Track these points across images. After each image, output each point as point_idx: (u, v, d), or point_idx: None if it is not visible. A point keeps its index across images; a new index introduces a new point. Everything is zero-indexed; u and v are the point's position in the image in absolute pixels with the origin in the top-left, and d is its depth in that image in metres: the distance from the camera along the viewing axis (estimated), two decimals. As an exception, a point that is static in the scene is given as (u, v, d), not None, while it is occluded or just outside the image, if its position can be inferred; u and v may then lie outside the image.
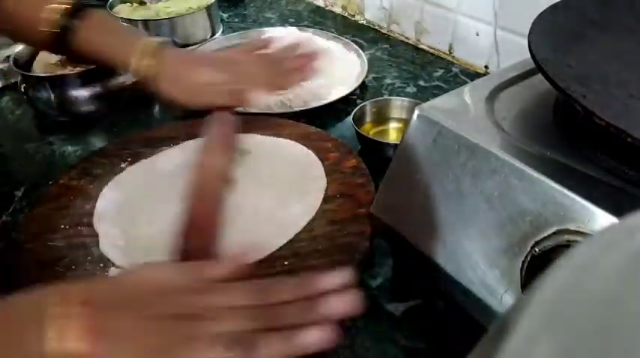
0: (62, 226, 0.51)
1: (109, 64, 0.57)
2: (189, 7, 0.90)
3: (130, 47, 0.55)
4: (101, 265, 0.47)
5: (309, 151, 0.60)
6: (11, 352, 0.28)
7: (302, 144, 0.61)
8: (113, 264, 0.47)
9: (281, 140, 0.62)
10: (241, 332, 0.30)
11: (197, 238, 0.41)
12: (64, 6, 0.54)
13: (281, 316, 0.31)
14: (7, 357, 0.28)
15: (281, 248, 0.47)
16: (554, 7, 0.45)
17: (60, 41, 0.54)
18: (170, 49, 0.58)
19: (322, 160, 0.58)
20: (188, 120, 0.69)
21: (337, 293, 0.32)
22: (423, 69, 0.82)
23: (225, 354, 0.29)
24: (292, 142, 0.61)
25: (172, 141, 0.63)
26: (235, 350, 0.29)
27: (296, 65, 0.59)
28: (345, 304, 0.31)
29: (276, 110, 0.70)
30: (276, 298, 0.32)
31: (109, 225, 0.51)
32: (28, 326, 0.28)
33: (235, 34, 0.91)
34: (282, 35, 0.89)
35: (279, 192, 0.55)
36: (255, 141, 0.62)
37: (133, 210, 0.53)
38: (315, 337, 0.30)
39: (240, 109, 0.70)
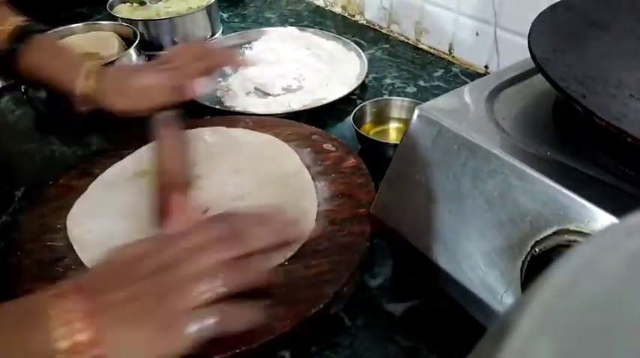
0: (62, 226, 0.51)
1: (54, 87, 0.58)
2: (189, 7, 0.90)
3: (75, 70, 0.57)
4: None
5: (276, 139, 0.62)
6: (15, 353, 0.29)
7: (302, 144, 0.61)
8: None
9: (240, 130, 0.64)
10: (218, 261, 0.33)
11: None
12: (8, 29, 0.55)
13: (247, 238, 0.35)
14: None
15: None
16: (554, 7, 0.45)
17: (5, 64, 0.56)
18: (111, 67, 0.61)
19: (322, 160, 0.58)
20: (186, 119, 0.69)
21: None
22: (423, 69, 0.82)
23: (212, 284, 0.32)
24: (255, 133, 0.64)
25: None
26: (219, 277, 0.33)
27: (223, 55, 0.63)
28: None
29: (277, 110, 0.70)
30: (237, 225, 0.35)
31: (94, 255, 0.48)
32: (30, 327, 0.30)
33: (235, 34, 0.91)
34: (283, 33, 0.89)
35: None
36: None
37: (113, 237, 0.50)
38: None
39: (239, 109, 0.71)
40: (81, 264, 0.47)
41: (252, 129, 0.64)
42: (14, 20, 0.57)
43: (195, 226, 0.36)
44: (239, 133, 0.63)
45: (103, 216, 0.52)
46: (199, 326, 0.31)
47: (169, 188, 0.48)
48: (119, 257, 0.34)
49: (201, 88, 0.58)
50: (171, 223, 0.42)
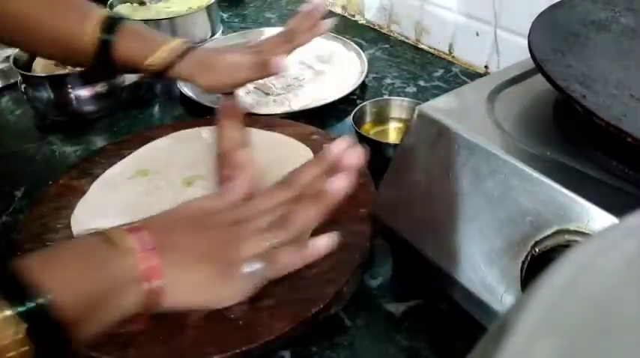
0: (62, 226, 0.51)
1: (141, 71, 0.59)
2: (189, 7, 0.90)
3: (153, 48, 0.57)
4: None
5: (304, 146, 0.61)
6: (93, 277, 0.30)
7: (302, 144, 0.61)
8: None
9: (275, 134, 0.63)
10: (279, 218, 0.36)
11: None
12: (98, 21, 0.55)
13: (307, 193, 0.37)
14: (92, 282, 0.30)
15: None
16: (554, 7, 0.45)
17: (98, 56, 0.56)
18: (196, 48, 0.61)
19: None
20: (186, 119, 0.69)
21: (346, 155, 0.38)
22: (423, 69, 0.82)
23: (275, 238, 0.35)
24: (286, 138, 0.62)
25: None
26: (280, 229, 0.35)
27: (307, 25, 0.61)
28: (354, 159, 0.38)
29: (277, 110, 0.70)
30: (298, 185, 0.38)
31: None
32: (105, 256, 0.31)
33: (235, 34, 0.91)
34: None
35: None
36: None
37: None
38: (338, 185, 0.36)
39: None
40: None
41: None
42: (101, 11, 0.57)
43: (262, 193, 0.38)
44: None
45: (106, 215, 0.52)
46: (252, 270, 0.34)
47: (230, 165, 0.50)
48: (190, 208, 0.37)
49: (283, 64, 0.59)
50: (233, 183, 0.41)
